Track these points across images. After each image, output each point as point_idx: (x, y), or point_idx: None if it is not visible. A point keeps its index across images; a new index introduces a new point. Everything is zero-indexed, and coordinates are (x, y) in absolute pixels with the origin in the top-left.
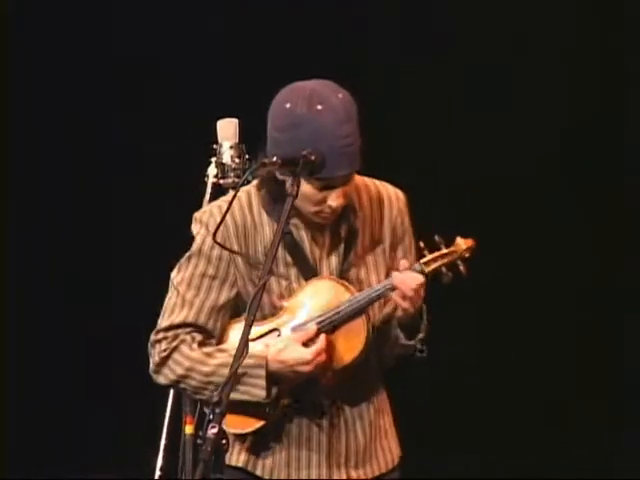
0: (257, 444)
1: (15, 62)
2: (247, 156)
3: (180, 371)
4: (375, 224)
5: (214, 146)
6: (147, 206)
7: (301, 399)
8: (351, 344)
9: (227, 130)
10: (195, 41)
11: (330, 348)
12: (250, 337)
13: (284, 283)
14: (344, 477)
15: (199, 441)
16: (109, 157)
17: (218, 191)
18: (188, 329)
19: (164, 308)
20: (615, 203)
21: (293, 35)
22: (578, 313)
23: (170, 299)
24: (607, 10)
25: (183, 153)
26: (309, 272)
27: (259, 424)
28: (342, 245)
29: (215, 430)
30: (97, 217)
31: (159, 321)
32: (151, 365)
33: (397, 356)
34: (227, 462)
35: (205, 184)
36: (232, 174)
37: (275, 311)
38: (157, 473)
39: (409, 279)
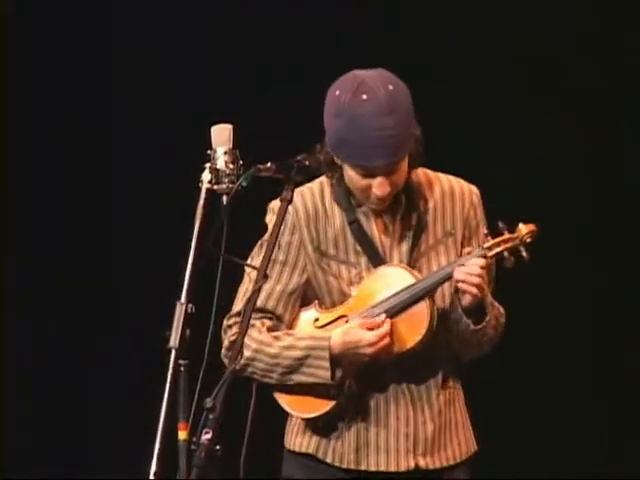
0: (325, 430)
1: (15, 62)
2: (241, 162)
3: (248, 353)
4: (447, 216)
5: (208, 152)
6: (141, 212)
7: (368, 384)
8: (415, 328)
9: (221, 136)
10: (190, 46)
11: (394, 332)
12: (319, 324)
13: (354, 271)
14: (412, 464)
15: (193, 447)
16: (103, 163)
17: (212, 197)
18: (258, 314)
19: (237, 294)
20: None
21: (291, 38)
22: None
23: (243, 285)
24: None
25: (177, 159)
26: (379, 260)
27: (326, 408)
28: (412, 234)
29: (209, 436)
30: (91, 223)
31: (232, 307)
32: (222, 350)
33: (473, 346)
34: (291, 448)
35: (199, 190)
36: (226, 180)
37: (344, 298)
38: (151, 478)
39: (471, 263)
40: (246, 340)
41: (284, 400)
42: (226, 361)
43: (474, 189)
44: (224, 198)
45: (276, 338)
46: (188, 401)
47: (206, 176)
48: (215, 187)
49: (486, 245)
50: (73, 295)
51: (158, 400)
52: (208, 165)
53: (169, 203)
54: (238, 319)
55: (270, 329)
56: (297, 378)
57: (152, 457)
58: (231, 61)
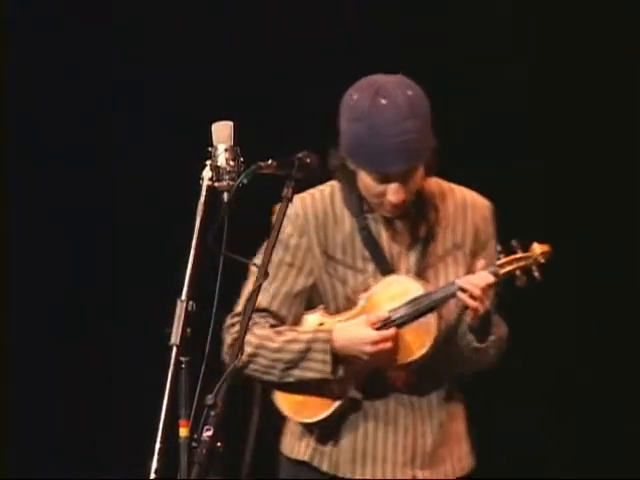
0: (323, 437)
1: (15, 61)
2: (242, 159)
3: (249, 350)
4: (457, 228)
5: (209, 149)
6: (142, 209)
7: (369, 393)
8: (420, 340)
9: (222, 133)
10: (190, 44)
11: (399, 342)
12: (324, 328)
13: (360, 278)
14: (409, 476)
15: (194, 444)
16: (104, 160)
17: (213, 194)
18: (263, 314)
19: (242, 293)
20: None
21: (289, 37)
22: None
23: (248, 284)
24: None
25: (178, 156)
26: (386, 268)
27: (326, 413)
28: (421, 244)
29: (210, 432)
30: (92, 220)
31: (235, 306)
32: (224, 348)
33: (471, 363)
34: (287, 453)
35: (200, 187)
36: (227, 177)
37: (348, 304)
38: (152, 475)
39: (478, 278)
40: (248, 337)
41: (283, 404)
42: (227, 359)
43: (486, 203)
44: (225, 195)
45: (279, 333)
46: (189, 398)
47: (207, 173)
48: (216, 184)
49: (498, 263)
50: (73, 293)
51: (159, 397)
52: (209, 162)
53: (170, 200)
54: (240, 318)
55: (273, 327)
56: (298, 373)
57: (153, 454)
58: (232, 58)
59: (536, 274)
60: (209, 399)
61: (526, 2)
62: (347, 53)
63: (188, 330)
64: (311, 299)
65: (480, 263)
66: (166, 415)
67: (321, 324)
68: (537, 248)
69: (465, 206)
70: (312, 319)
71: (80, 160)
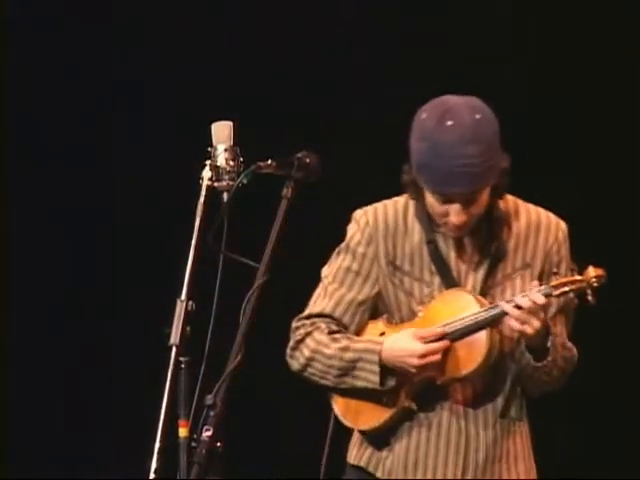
0: (379, 444)
1: (15, 61)
2: (241, 159)
3: (307, 353)
4: (528, 247)
5: (209, 149)
6: (141, 209)
7: (424, 404)
8: (472, 356)
9: (222, 133)
10: (190, 43)
11: (450, 356)
12: (376, 339)
13: (426, 290)
14: None
15: (193, 444)
16: (104, 160)
17: (213, 194)
18: (326, 319)
19: (311, 299)
20: None
21: (289, 37)
22: None
23: (317, 290)
24: None
25: (178, 156)
26: (452, 283)
27: (379, 421)
28: (489, 262)
29: (209, 433)
30: (91, 220)
31: (305, 309)
32: (287, 351)
33: (535, 382)
34: (349, 459)
35: (199, 187)
36: (226, 177)
37: (412, 316)
38: (151, 475)
39: (529, 297)
40: (308, 340)
41: (341, 410)
42: (289, 360)
43: (562, 225)
44: (224, 195)
45: (334, 340)
46: (189, 398)
47: (206, 173)
48: (215, 184)
49: (552, 284)
50: (73, 293)
51: (159, 397)
52: (208, 162)
53: (170, 200)
54: (307, 321)
55: (332, 333)
56: (350, 381)
57: (153, 454)
58: (232, 58)
59: (590, 298)
60: (208, 399)
61: (526, 2)
62: (347, 53)
63: (188, 330)
64: (377, 307)
65: (534, 283)
66: (166, 415)
67: (382, 334)
68: (592, 271)
69: (539, 226)
70: (374, 327)
71: (80, 160)
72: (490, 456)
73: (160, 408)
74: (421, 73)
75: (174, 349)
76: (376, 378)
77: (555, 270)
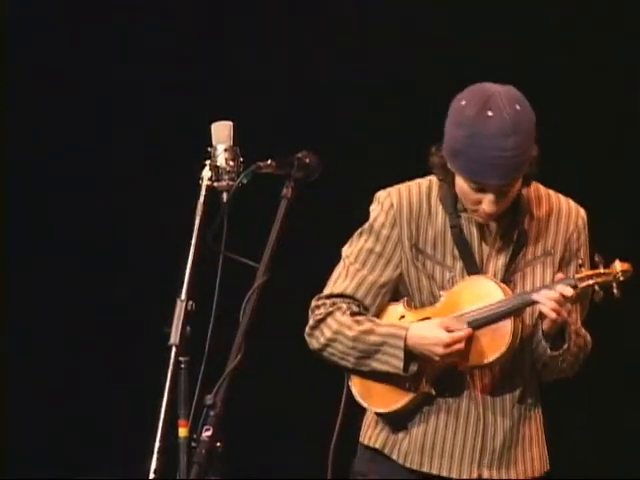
0: (396, 427)
1: (15, 60)
2: (241, 159)
3: (329, 334)
4: (550, 234)
5: (208, 149)
6: (141, 209)
7: (443, 389)
8: (495, 344)
9: (222, 133)
10: (190, 43)
11: (474, 344)
12: (404, 323)
13: (448, 275)
14: (475, 475)
15: (193, 444)
16: (103, 159)
17: (212, 194)
18: (347, 300)
19: (331, 277)
20: None
21: (289, 37)
22: None
23: (337, 269)
24: None
25: (177, 156)
26: (474, 268)
27: (399, 405)
28: (511, 248)
29: (209, 432)
30: (91, 220)
31: (325, 288)
32: (307, 329)
33: (549, 370)
34: (362, 440)
35: (199, 187)
36: (226, 177)
37: (433, 300)
38: (151, 475)
39: (557, 289)
40: (330, 320)
41: (359, 391)
42: (307, 339)
43: (582, 212)
44: (224, 195)
45: (357, 322)
46: (188, 398)
47: (206, 173)
48: (215, 184)
49: (578, 276)
50: (73, 293)
51: (159, 397)
52: (208, 162)
53: (169, 200)
54: (326, 301)
55: (354, 314)
56: (372, 364)
57: (153, 454)
58: (232, 58)
59: (615, 291)
60: (208, 399)
61: (527, 2)
62: (347, 53)
63: (188, 330)
64: (397, 290)
65: (559, 275)
66: (165, 415)
67: (402, 317)
68: (618, 265)
69: (560, 213)
70: (394, 310)
71: (80, 160)
72: (507, 441)
73: (160, 408)
74: (421, 73)
75: (174, 349)
76: (400, 363)
77: (580, 262)
